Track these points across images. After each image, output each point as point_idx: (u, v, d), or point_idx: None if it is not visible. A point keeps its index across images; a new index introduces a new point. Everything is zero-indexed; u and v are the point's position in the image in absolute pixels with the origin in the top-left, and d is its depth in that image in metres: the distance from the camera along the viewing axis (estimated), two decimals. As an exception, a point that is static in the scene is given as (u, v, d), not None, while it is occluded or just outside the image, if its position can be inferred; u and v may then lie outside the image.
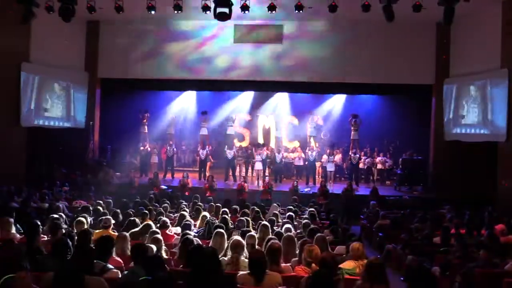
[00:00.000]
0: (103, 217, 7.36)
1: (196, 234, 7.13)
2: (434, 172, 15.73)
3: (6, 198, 10.01)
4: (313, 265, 4.89)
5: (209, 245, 5.77)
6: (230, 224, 7.95)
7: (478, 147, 14.31)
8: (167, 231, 7.32)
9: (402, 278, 7.73)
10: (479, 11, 13.82)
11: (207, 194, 13.41)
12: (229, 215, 8.84)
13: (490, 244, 6.54)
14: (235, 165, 17.00)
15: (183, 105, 19.51)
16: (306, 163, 16.89)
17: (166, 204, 10.01)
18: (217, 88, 17.89)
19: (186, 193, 13.73)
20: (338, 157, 17.49)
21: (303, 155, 17.24)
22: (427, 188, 15.65)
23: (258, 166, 16.73)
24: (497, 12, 13.33)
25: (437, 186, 15.28)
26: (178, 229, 7.58)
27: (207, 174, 16.26)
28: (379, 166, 17.51)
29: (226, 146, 16.86)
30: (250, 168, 17.88)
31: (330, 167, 16.63)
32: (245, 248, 5.49)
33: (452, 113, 15.28)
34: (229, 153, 16.54)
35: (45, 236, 6.39)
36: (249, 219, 8.17)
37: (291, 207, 10.49)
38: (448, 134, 15.45)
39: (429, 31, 15.62)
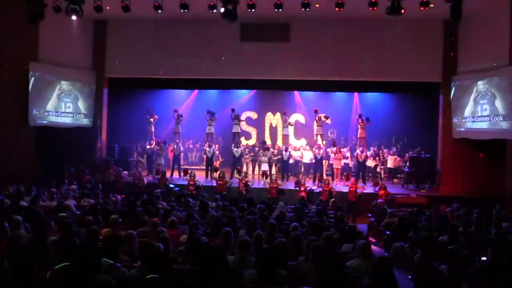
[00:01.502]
0: (111, 216, 7.39)
1: (203, 233, 7.14)
2: (441, 169, 15.65)
3: (15, 197, 10.07)
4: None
5: (216, 244, 5.78)
6: (237, 222, 7.96)
7: (486, 145, 14.23)
8: (174, 230, 7.34)
9: (410, 277, 7.71)
10: (487, 8, 13.72)
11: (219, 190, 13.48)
12: (237, 213, 8.85)
13: (498, 242, 6.49)
14: (242, 164, 16.98)
15: (190, 103, 19.55)
16: (314, 161, 16.88)
17: (173, 203, 10.04)
18: (224, 86, 17.93)
19: (193, 192, 13.72)
20: (345, 155, 17.43)
21: (311, 154, 17.21)
22: (434, 186, 15.58)
23: (265, 165, 16.69)
24: (505, 9, 13.22)
25: (444, 184, 15.21)
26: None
27: (217, 172, 16.14)
28: (388, 164, 17.43)
29: (233, 144, 16.87)
30: (257, 166, 17.88)
31: (337, 165, 16.56)
32: (252, 246, 5.49)
33: (459, 111, 15.18)
34: (236, 152, 16.54)
35: (53, 235, 6.43)
36: (256, 217, 8.18)
37: (298, 205, 10.47)
38: (456, 131, 15.35)
39: (436, 28, 15.51)
